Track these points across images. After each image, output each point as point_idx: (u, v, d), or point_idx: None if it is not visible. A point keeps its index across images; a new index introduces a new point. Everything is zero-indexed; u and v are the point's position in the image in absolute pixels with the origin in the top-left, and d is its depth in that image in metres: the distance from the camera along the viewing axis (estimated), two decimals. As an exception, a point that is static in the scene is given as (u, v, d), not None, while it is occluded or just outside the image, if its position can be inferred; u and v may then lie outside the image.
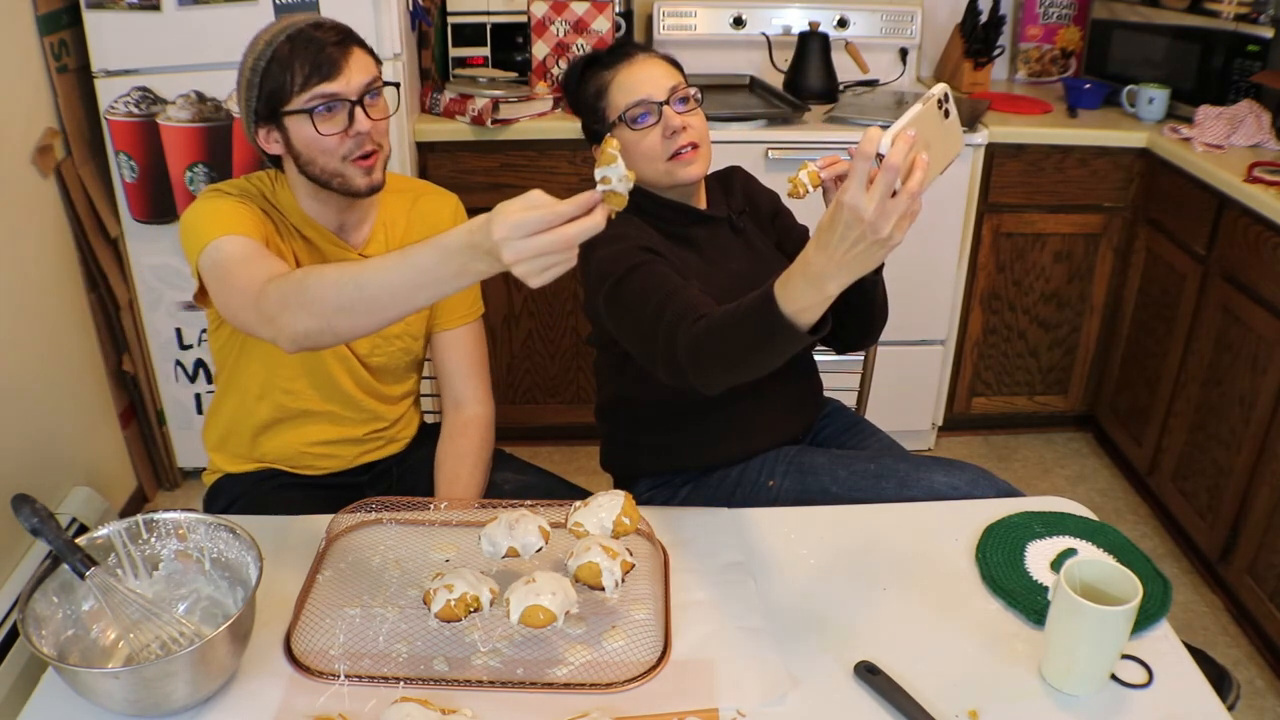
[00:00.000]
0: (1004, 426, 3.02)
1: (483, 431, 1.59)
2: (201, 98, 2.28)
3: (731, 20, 2.84)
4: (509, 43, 2.70)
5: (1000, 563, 1.23)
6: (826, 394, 1.72)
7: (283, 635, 1.11)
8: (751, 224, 1.58)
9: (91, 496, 2.30)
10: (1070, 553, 1.24)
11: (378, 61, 1.40)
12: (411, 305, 1.09)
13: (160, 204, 2.37)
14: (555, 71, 2.66)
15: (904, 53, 2.93)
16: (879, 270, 1.44)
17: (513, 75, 2.68)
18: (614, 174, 0.95)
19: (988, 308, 2.77)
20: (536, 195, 0.97)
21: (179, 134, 2.30)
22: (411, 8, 2.43)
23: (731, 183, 1.61)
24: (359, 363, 1.52)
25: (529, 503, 1.22)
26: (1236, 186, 2.17)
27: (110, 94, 2.26)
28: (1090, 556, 1.10)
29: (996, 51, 2.86)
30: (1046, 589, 1.18)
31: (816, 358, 1.68)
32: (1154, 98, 2.61)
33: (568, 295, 2.68)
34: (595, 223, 0.96)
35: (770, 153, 2.44)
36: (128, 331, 2.49)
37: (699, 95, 1.46)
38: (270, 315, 1.13)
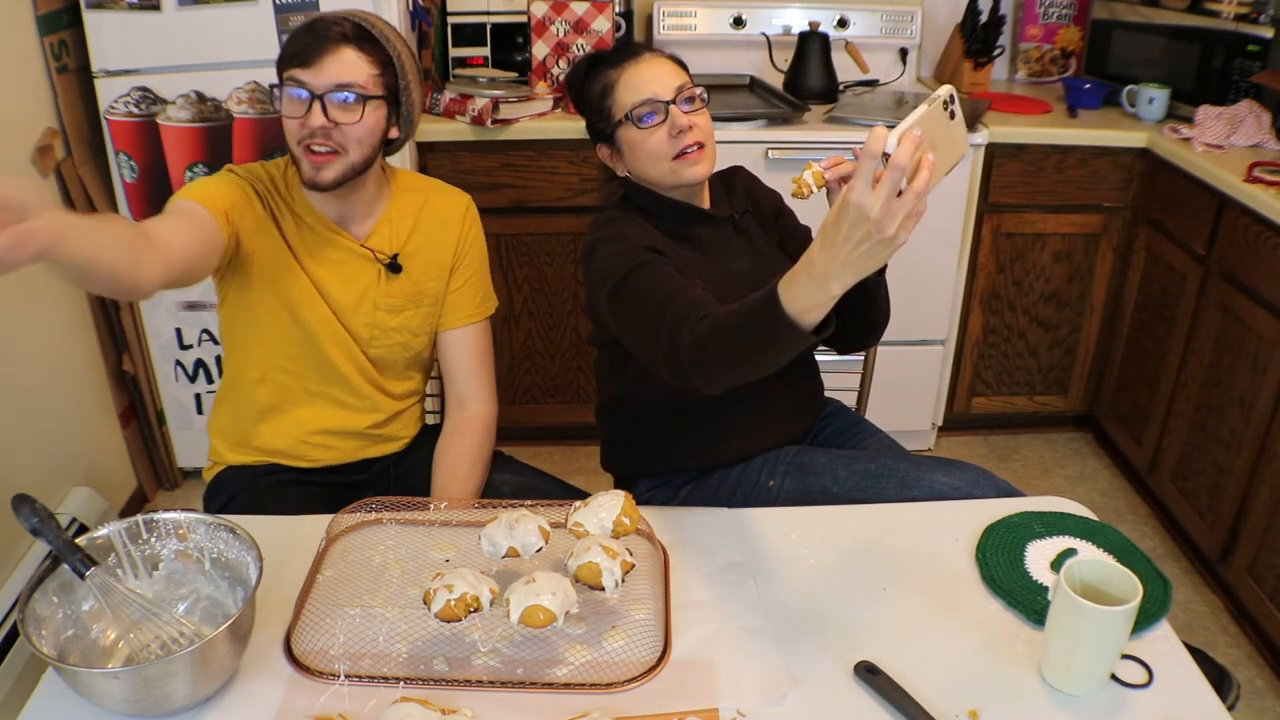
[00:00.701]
0: (1004, 426, 3.02)
1: (484, 430, 1.60)
2: (201, 98, 2.28)
3: (731, 20, 2.84)
4: (509, 43, 2.70)
5: (1000, 563, 1.23)
6: (827, 394, 1.72)
7: (283, 635, 1.11)
8: (754, 224, 1.58)
9: (91, 496, 2.30)
10: (1070, 553, 1.24)
11: (387, 77, 1.41)
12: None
13: (160, 204, 2.35)
14: (555, 71, 2.66)
15: (904, 53, 2.93)
16: (882, 271, 1.44)
17: (513, 75, 2.68)
18: None
19: (988, 308, 2.77)
20: None
21: (179, 134, 2.30)
22: (411, 8, 2.43)
23: (734, 182, 1.61)
24: (359, 350, 1.54)
25: (529, 503, 1.22)
26: (1236, 186, 2.17)
27: (110, 94, 2.26)
28: (1090, 556, 1.10)
29: (996, 51, 2.86)
30: (1046, 589, 1.19)
31: (817, 358, 1.68)
32: (1154, 98, 2.61)
33: (568, 295, 2.68)
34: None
35: (770, 153, 2.44)
36: (128, 331, 2.49)
37: (705, 95, 1.46)
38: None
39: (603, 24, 2.65)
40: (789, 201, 1.45)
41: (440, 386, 1.68)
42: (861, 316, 1.45)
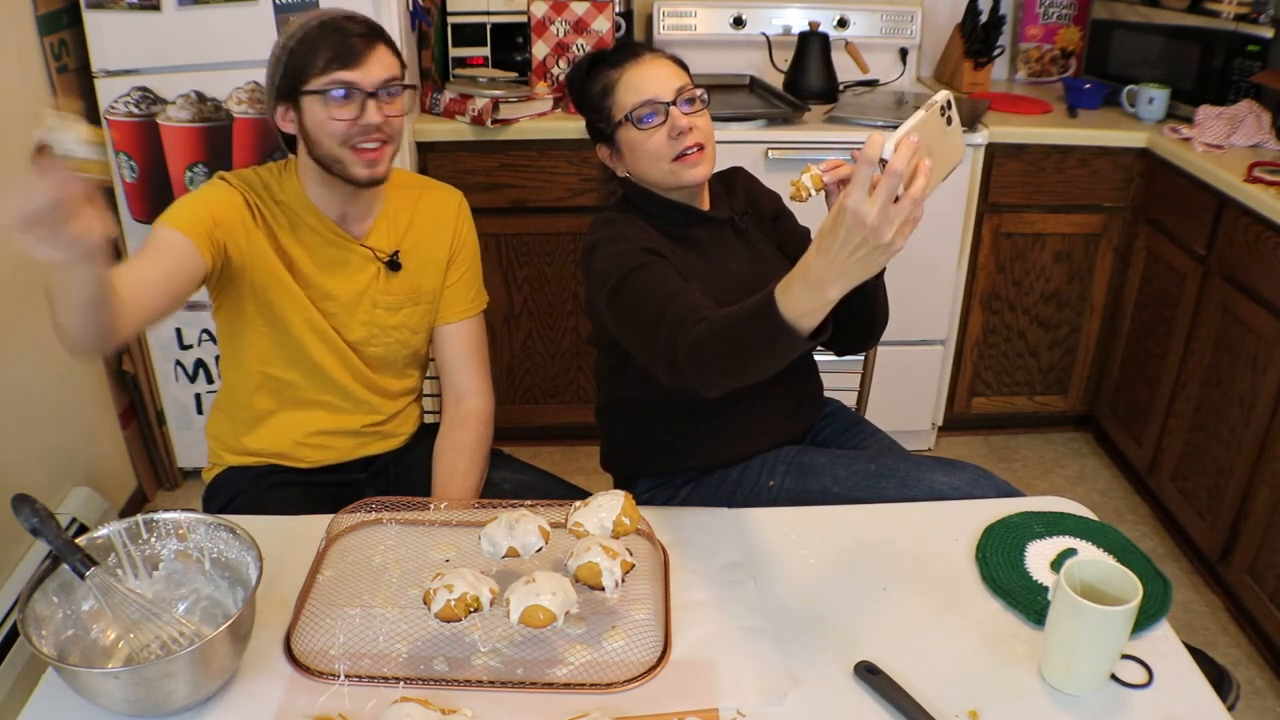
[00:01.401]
0: (1004, 426, 3.02)
1: (482, 424, 1.60)
2: (201, 98, 2.28)
3: (731, 20, 2.84)
4: (509, 43, 2.70)
5: (1000, 563, 1.23)
6: (827, 394, 1.72)
7: (283, 635, 1.11)
8: (754, 225, 1.58)
9: (91, 496, 2.30)
10: (1070, 553, 1.24)
11: (403, 65, 1.43)
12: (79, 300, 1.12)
13: (160, 204, 2.36)
14: (555, 71, 2.66)
15: (904, 53, 2.93)
16: (880, 274, 1.43)
17: (513, 75, 2.68)
18: (63, 138, 0.89)
19: (988, 308, 2.77)
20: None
21: (179, 134, 2.30)
22: (411, 8, 2.43)
23: (734, 184, 1.61)
24: (353, 353, 1.54)
25: (529, 503, 1.22)
26: (1236, 186, 2.17)
27: (110, 94, 2.26)
28: (1090, 556, 1.10)
29: (996, 51, 2.86)
30: (1046, 589, 1.19)
31: (817, 358, 1.68)
32: (1154, 98, 2.61)
33: (568, 295, 2.68)
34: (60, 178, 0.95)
35: (770, 153, 2.44)
36: (128, 331, 2.49)
37: (705, 96, 1.46)
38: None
39: (603, 24, 2.65)
40: (789, 203, 1.45)
41: (434, 386, 1.68)
42: (860, 319, 1.45)
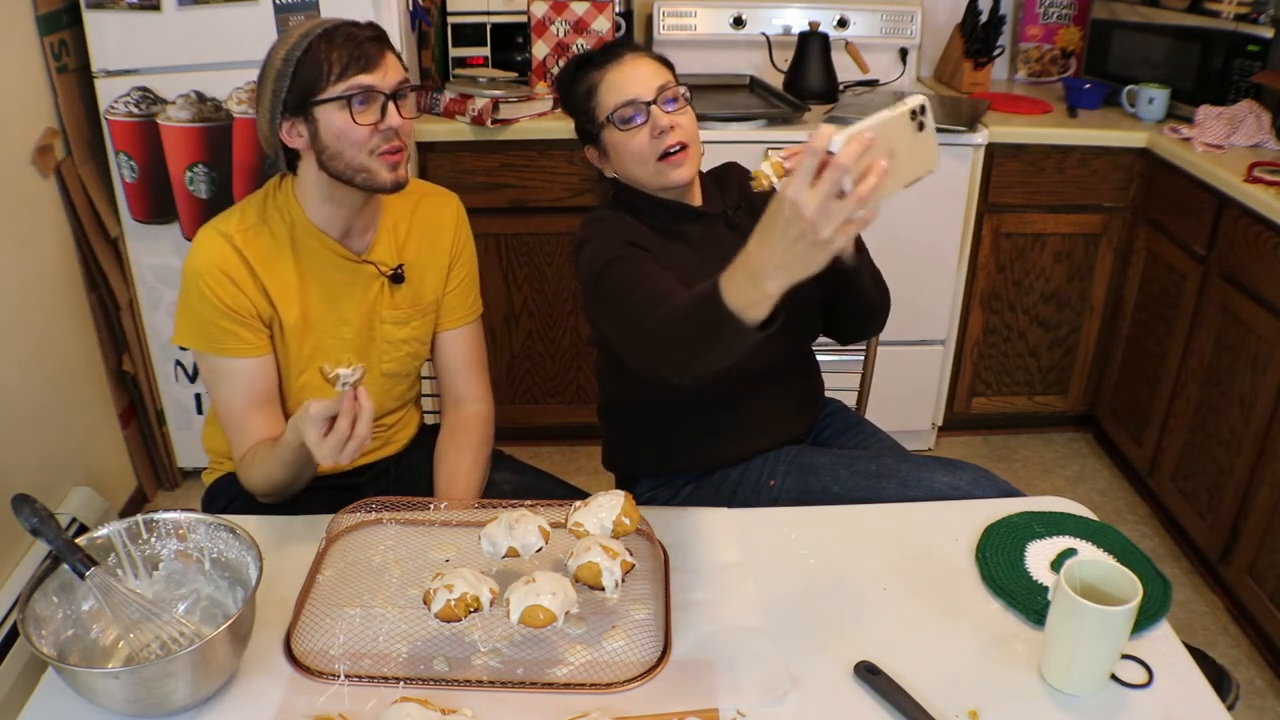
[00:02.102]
0: (1004, 426, 3.02)
1: (482, 428, 1.59)
2: (201, 98, 2.28)
3: (731, 20, 2.84)
4: (509, 43, 2.71)
5: (1000, 563, 1.23)
6: (827, 394, 1.72)
7: (283, 635, 1.11)
8: (747, 220, 1.55)
9: (91, 496, 2.30)
10: (1070, 553, 1.24)
11: (405, 68, 1.41)
12: (306, 477, 1.39)
13: (160, 204, 2.37)
14: (555, 71, 2.66)
15: (904, 53, 2.93)
16: (863, 262, 1.41)
17: (513, 75, 2.68)
18: (345, 376, 1.18)
19: (988, 308, 2.77)
20: (319, 404, 1.19)
21: (179, 134, 2.30)
22: (411, 8, 2.43)
23: (727, 179, 1.61)
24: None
25: (529, 503, 1.22)
26: (1236, 186, 2.17)
27: (110, 94, 2.26)
28: (1090, 556, 1.10)
29: (996, 51, 2.86)
30: (1046, 589, 1.18)
31: (818, 357, 1.68)
32: (1154, 98, 2.61)
33: (568, 295, 2.68)
34: (368, 408, 1.19)
35: (770, 153, 2.43)
36: (128, 331, 2.49)
37: (688, 94, 1.45)
38: (247, 488, 1.44)
39: (603, 24, 2.65)
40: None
41: (434, 386, 1.68)
42: (848, 307, 1.44)
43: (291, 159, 1.42)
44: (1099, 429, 2.94)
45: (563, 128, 2.47)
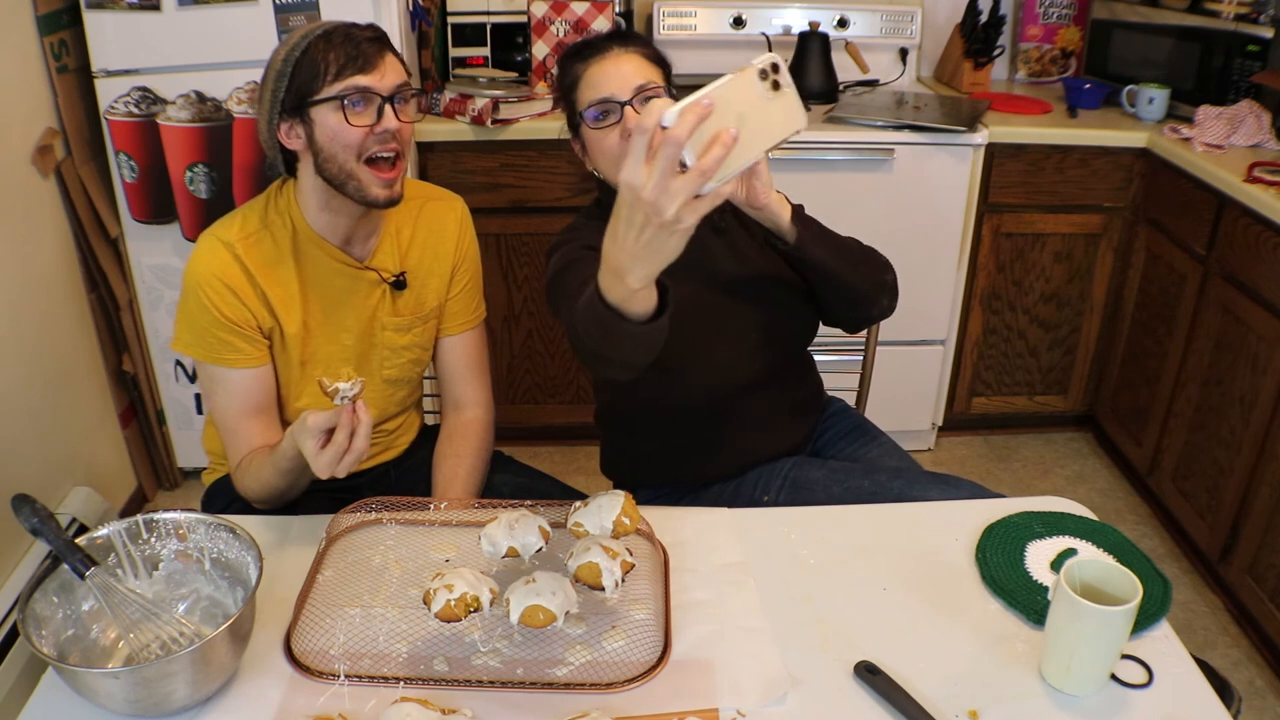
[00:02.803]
0: (1004, 426, 3.02)
1: (482, 433, 1.59)
2: (201, 98, 2.28)
3: (731, 20, 2.84)
4: (509, 43, 2.70)
5: (1000, 563, 1.23)
6: (829, 393, 1.71)
7: (283, 635, 1.11)
8: (735, 223, 1.51)
9: (91, 496, 2.30)
10: (1070, 553, 1.24)
11: (408, 71, 1.39)
12: (301, 486, 1.38)
13: (160, 204, 2.37)
14: (555, 71, 2.66)
15: (904, 53, 2.93)
16: (807, 238, 1.33)
17: (513, 75, 2.68)
18: (344, 389, 1.17)
19: (988, 308, 2.77)
20: (316, 416, 1.19)
21: (179, 134, 2.30)
22: (411, 8, 2.43)
23: None
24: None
25: (529, 503, 1.22)
26: (1236, 186, 2.17)
27: (110, 94, 2.26)
28: (1090, 556, 1.10)
29: (996, 51, 2.86)
30: (1046, 589, 1.18)
31: (816, 357, 1.68)
32: (1154, 98, 2.61)
33: (568, 295, 2.68)
34: (365, 422, 1.18)
35: (769, 153, 2.43)
36: (128, 331, 2.49)
37: (673, 94, 1.39)
38: (243, 495, 1.44)
39: (603, 24, 2.65)
40: None
41: (434, 386, 1.67)
42: (826, 295, 1.41)
43: (290, 162, 1.41)
44: (1099, 429, 2.94)
45: (563, 127, 2.45)
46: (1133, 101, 2.67)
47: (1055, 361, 2.86)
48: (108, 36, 2.21)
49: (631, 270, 0.95)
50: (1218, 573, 2.30)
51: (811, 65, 2.72)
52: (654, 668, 1.08)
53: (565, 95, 1.45)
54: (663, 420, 1.53)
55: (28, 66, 2.18)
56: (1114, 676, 1.05)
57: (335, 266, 1.44)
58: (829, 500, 1.46)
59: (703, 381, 1.46)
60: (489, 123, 2.42)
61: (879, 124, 2.49)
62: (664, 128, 0.85)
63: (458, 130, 2.46)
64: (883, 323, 1.63)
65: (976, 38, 2.84)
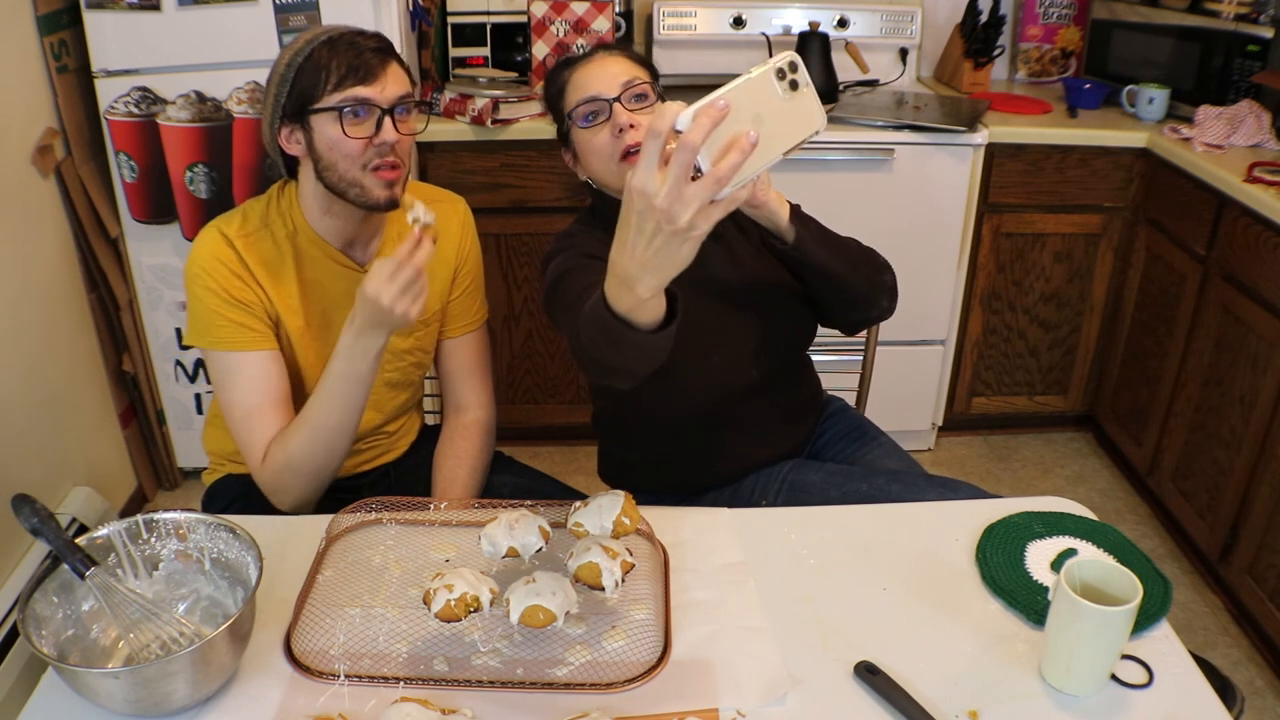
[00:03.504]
0: (1004, 426, 3.02)
1: (483, 435, 1.59)
2: (201, 98, 2.28)
3: (731, 20, 2.84)
4: (509, 43, 2.71)
5: (1000, 563, 1.23)
6: (828, 393, 1.71)
7: (283, 635, 1.11)
8: (730, 226, 1.49)
9: (91, 496, 2.30)
10: (1070, 553, 1.24)
11: (413, 82, 1.38)
12: (358, 408, 1.35)
13: (160, 204, 2.37)
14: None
15: (904, 53, 2.93)
16: (805, 236, 1.32)
17: (513, 75, 2.68)
18: (419, 212, 1.22)
19: (988, 308, 2.77)
20: (380, 261, 1.21)
21: (179, 134, 2.30)
22: (411, 8, 2.43)
23: None
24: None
25: (529, 503, 1.22)
26: (1236, 186, 2.17)
27: (110, 94, 2.26)
28: (1090, 556, 1.10)
29: (996, 51, 2.86)
30: (1046, 589, 1.18)
31: (816, 357, 1.68)
32: (1154, 98, 2.61)
33: (568, 295, 2.68)
34: (427, 249, 1.20)
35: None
36: (128, 331, 2.49)
37: (658, 91, 1.40)
38: (271, 489, 1.40)
39: (603, 24, 2.65)
40: None
41: (435, 386, 1.67)
42: (823, 297, 1.40)
43: (292, 165, 1.41)
44: (1099, 429, 2.94)
45: (563, 128, 2.47)
46: (1133, 101, 2.67)
47: (1055, 361, 2.87)
48: (108, 36, 2.21)
49: (641, 279, 0.92)
50: (1218, 573, 2.30)
51: (811, 65, 2.71)
52: (654, 668, 1.08)
53: (553, 104, 1.45)
54: (660, 428, 1.52)
55: (28, 66, 2.18)
56: (1114, 677, 1.05)
57: (336, 269, 1.44)
58: (827, 504, 1.45)
59: (700, 389, 1.46)
60: (489, 123, 2.42)
61: (879, 124, 2.49)
62: (678, 131, 0.82)
63: (458, 130, 2.46)
64: (883, 323, 1.62)
65: (976, 38, 2.84)
